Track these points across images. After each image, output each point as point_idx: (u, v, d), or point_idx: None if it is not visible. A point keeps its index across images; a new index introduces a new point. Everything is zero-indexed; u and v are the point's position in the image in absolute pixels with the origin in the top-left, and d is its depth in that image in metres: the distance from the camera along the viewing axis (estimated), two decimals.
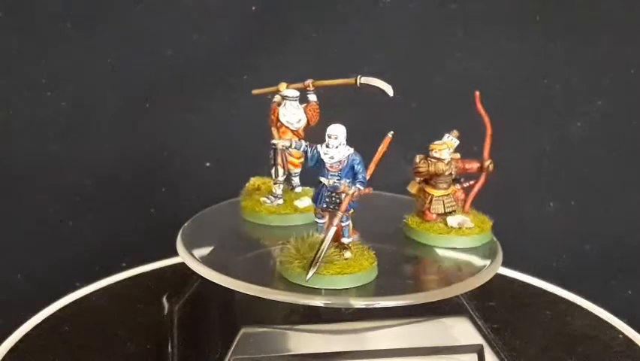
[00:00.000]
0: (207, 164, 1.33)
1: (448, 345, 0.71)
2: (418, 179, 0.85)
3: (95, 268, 1.19)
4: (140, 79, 1.27)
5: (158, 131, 1.30)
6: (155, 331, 0.86)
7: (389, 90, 0.81)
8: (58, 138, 1.27)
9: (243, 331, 0.69)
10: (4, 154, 1.26)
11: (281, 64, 1.28)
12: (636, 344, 0.87)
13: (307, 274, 0.66)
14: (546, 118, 1.35)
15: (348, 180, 0.69)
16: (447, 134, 0.85)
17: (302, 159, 0.84)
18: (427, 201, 0.83)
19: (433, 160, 0.83)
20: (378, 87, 0.81)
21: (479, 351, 0.71)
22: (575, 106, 1.34)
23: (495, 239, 0.84)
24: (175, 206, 1.28)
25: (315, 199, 0.71)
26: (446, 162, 0.83)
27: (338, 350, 0.68)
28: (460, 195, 0.86)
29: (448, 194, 0.84)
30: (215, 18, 1.27)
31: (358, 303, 0.65)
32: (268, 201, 0.84)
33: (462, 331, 0.73)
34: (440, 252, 0.80)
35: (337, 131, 0.70)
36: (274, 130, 0.83)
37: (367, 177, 0.70)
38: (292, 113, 0.82)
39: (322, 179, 0.70)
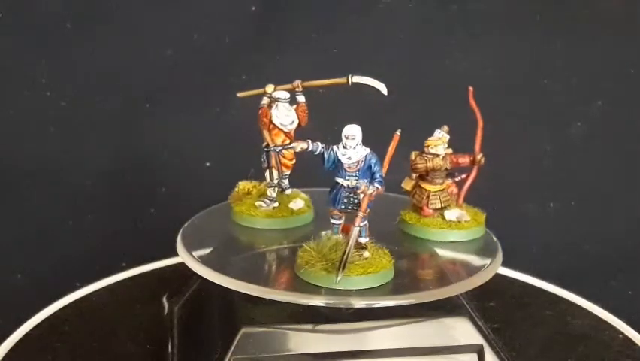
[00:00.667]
0: (207, 164, 1.33)
1: (448, 345, 0.71)
2: (413, 175, 0.86)
3: (95, 268, 1.19)
4: (140, 79, 1.27)
5: (158, 131, 1.30)
6: (155, 331, 0.86)
7: (383, 89, 0.80)
8: (58, 138, 1.27)
9: (242, 331, 0.69)
10: (4, 154, 1.26)
11: (281, 64, 1.28)
12: (636, 344, 0.87)
13: (337, 276, 0.65)
14: (546, 118, 1.35)
15: (366, 180, 0.69)
16: (438, 130, 0.86)
17: (294, 160, 0.84)
18: (425, 197, 0.84)
19: (429, 156, 0.84)
20: (371, 86, 0.81)
21: (479, 351, 0.71)
22: (575, 106, 1.34)
23: (495, 238, 0.84)
24: (175, 206, 1.28)
25: (332, 201, 0.71)
26: (442, 157, 0.83)
27: (338, 350, 0.68)
28: (454, 189, 0.87)
29: (444, 189, 0.85)
30: (215, 18, 1.27)
31: (358, 303, 0.65)
32: (264, 205, 0.83)
33: (462, 331, 0.73)
34: (441, 250, 0.80)
35: (354, 132, 0.70)
36: (266, 133, 0.82)
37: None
38: (285, 115, 0.81)
39: (340, 180, 0.70)
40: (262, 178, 0.87)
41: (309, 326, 0.71)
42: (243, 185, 0.87)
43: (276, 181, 0.84)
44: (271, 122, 0.81)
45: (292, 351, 0.68)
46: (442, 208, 0.84)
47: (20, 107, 1.25)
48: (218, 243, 0.81)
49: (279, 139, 0.82)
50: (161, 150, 1.31)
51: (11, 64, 1.23)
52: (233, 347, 0.67)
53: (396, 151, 0.73)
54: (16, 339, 0.85)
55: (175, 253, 0.78)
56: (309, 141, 0.71)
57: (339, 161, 0.70)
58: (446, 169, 0.85)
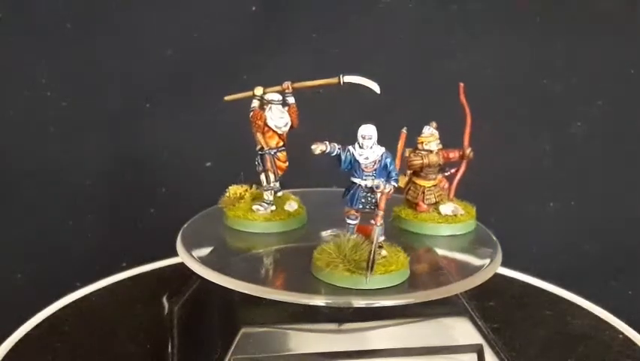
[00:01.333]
0: (207, 164, 1.33)
1: (448, 345, 0.71)
2: (407, 172, 0.86)
3: (95, 268, 1.19)
4: (140, 79, 1.27)
5: (158, 132, 1.30)
6: (155, 331, 0.86)
7: (375, 87, 0.81)
8: (58, 138, 1.27)
9: (242, 331, 0.69)
10: (4, 154, 1.26)
11: (281, 64, 1.28)
12: (636, 344, 0.87)
13: (367, 277, 0.66)
14: (546, 118, 1.35)
15: (383, 179, 0.69)
16: (427, 127, 0.86)
17: (287, 162, 0.83)
18: (420, 193, 0.85)
19: (423, 153, 0.84)
20: (363, 85, 0.80)
21: (479, 351, 0.71)
22: (575, 106, 1.34)
23: (494, 238, 0.84)
24: (175, 206, 1.28)
25: (349, 201, 0.71)
26: (435, 152, 0.84)
27: (338, 350, 0.68)
28: (445, 184, 0.87)
29: (436, 184, 0.86)
30: (215, 18, 1.27)
31: (358, 302, 0.65)
32: (262, 209, 0.82)
33: (462, 331, 0.73)
34: (441, 249, 0.80)
35: (371, 132, 0.70)
36: (260, 136, 0.81)
37: None
38: (279, 117, 0.80)
39: (357, 180, 0.70)
40: (254, 182, 0.86)
41: (309, 326, 0.71)
42: (234, 189, 0.86)
43: (272, 184, 0.83)
44: (265, 124, 0.80)
45: (292, 351, 0.68)
46: (437, 203, 0.85)
47: (20, 107, 1.25)
48: (218, 243, 0.81)
49: (273, 141, 0.81)
50: (161, 150, 1.31)
51: (11, 64, 1.23)
52: (233, 347, 0.67)
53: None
54: (17, 339, 0.85)
55: (175, 253, 0.78)
56: (327, 143, 0.71)
57: (357, 161, 0.70)
58: (439, 164, 0.85)
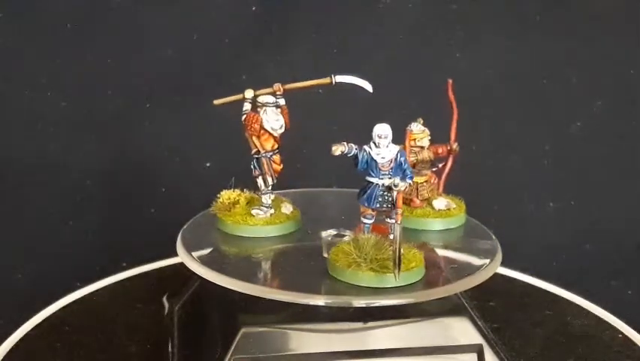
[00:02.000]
0: (207, 164, 1.33)
1: (447, 345, 0.71)
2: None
3: (95, 268, 1.19)
4: (141, 79, 1.27)
5: (158, 132, 1.30)
6: (155, 331, 0.86)
7: (368, 87, 0.80)
8: (58, 138, 1.27)
9: (243, 331, 0.69)
10: (4, 154, 1.26)
11: (281, 64, 1.28)
12: (636, 344, 0.87)
13: (396, 275, 0.66)
14: (546, 118, 1.35)
15: (399, 177, 0.70)
16: (414, 123, 0.87)
17: (282, 165, 0.82)
18: (413, 189, 0.85)
19: (416, 149, 0.85)
20: (355, 85, 0.80)
21: (479, 351, 0.71)
22: (575, 106, 1.34)
23: (494, 237, 0.84)
24: (175, 206, 1.28)
25: (366, 200, 0.71)
26: (426, 149, 0.85)
27: (338, 350, 0.68)
28: (434, 179, 0.89)
29: (428, 180, 0.87)
30: (215, 18, 1.27)
31: (359, 302, 0.65)
32: (261, 213, 0.81)
33: (462, 331, 0.73)
34: (440, 249, 0.80)
35: (387, 131, 0.71)
36: (255, 139, 0.80)
37: None
38: (275, 120, 0.79)
39: (374, 179, 0.71)
40: (243, 186, 0.85)
41: (309, 326, 0.71)
42: (228, 195, 0.83)
43: (270, 188, 0.82)
44: (262, 127, 0.79)
45: (292, 351, 0.68)
46: (429, 198, 0.86)
47: (21, 107, 1.25)
48: (218, 244, 0.81)
49: (269, 144, 0.80)
50: (161, 150, 1.31)
51: (12, 64, 1.23)
52: (233, 347, 0.67)
53: None
54: (17, 339, 0.85)
55: (175, 253, 0.78)
56: (345, 143, 0.71)
57: (373, 160, 0.70)
58: (430, 160, 0.86)
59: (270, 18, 1.28)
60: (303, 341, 0.69)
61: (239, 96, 0.80)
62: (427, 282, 0.69)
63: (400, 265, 0.66)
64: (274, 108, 0.79)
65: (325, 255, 0.75)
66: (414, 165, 0.86)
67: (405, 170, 0.71)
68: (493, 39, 1.31)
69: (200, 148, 1.31)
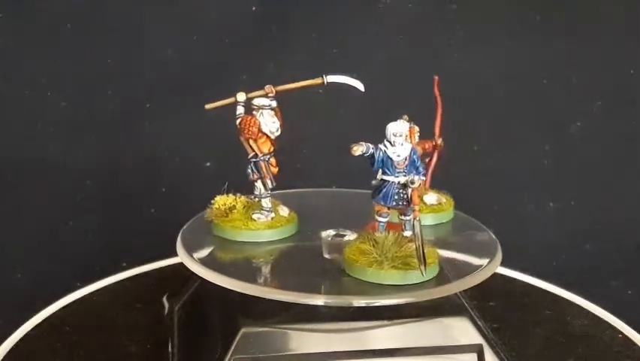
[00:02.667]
0: (207, 164, 1.33)
1: (447, 345, 0.71)
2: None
3: (95, 268, 1.19)
4: (141, 79, 1.28)
5: (158, 132, 1.30)
6: (155, 331, 0.86)
7: (359, 86, 0.80)
8: (58, 138, 1.27)
9: (243, 331, 0.69)
10: (4, 154, 1.26)
11: (281, 64, 1.28)
12: (636, 344, 0.87)
13: (423, 271, 0.67)
14: (546, 118, 1.35)
15: (413, 174, 0.71)
16: (400, 120, 0.86)
17: (277, 167, 0.81)
18: None
19: None
20: (347, 84, 0.80)
21: (479, 351, 0.71)
22: (575, 106, 1.35)
23: (494, 237, 0.84)
24: (175, 206, 1.28)
25: (382, 199, 0.71)
26: (416, 144, 0.85)
27: (338, 350, 0.68)
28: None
29: None
30: (215, 18, 1.27)
31: (359, 302, 0.66)
32: (263, 217, 0.80)
33: (462, 331, 0.73)
34: (440, 248, 0.80)
35: (401, 129, 0.71)
36: (252, 143, 0.78)
37: None
38: (272, 122, 0.78)
39: (389, 178, 0.71)
40: (239, 190, 0.84)
41: (310, 326, 0.71)
42: (223, 200, 0.82)
43: (269, 191, 0.81)
44: (260, 130, 0.78)
45: (292, 351, 0.68)
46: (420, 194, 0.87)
47: (21, 107, 1.25)
48: (218, 244, 0.81)
49: (266, 147, 0.79)
50: (161, 150, 1.31)
51: (12, 64, 1.23)
52: (233, 347, 0.67)
53: None
54: (17, 339, 0.85)
55: (175, 253, 0.78)
56: (363, 143, 0.71)
57: (389, 159, 0.71)
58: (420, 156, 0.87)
59: (270, 18, 1.28)
60: (303, 341, 0.69)
61: (231, 100, 0.79)
62: (444, 276, 0.70)
63: (425, 261, 0.66)
64: (270, 110, 0.79)
65: (326, 255, 0.75)
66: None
67: (417, 167, 0.71)
68: (493, 39, 1.31)
69: (200, 148, 1.31)
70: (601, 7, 1.30)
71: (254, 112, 0.79)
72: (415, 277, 0.67)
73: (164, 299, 0.90)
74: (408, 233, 0.72)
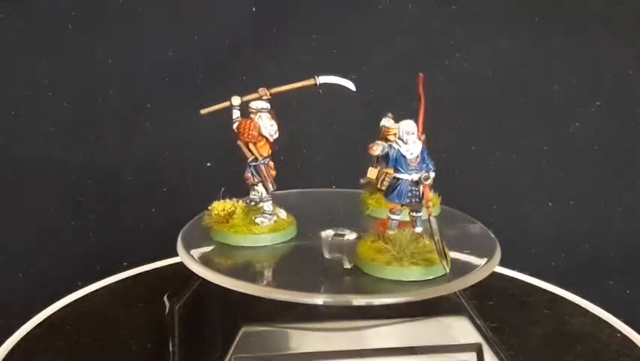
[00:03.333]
0: (207, 164, 1.33)
1: (447, 344, 0.71)
2: (379, 166, 0.88)
3: (96, 268, 1.20)
4: (141, 79, 1.28)
5: (158, 132, 1.30)
6: (156, 330, 0.86)
7: (351, 86, 0.81)
8: (59, 138, 1.27)
9: (243, 330, 0.69)
10: (6, 154, 1.26)
11: (281, 64, 1.28)
12: (634, 343, 0.87)
13: (447, 266, 0.68)
14: (545, 118, 1.36)
15: (424, 171, 0.72)
16: (385, 118, 0.88)
17: (275, 170, 0.81)
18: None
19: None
20: (339, 85, 0.80)
21: (478, 350, 0.71)
22: (574, 106, 1.35)
23: (492, 236, 0.84)
24: (175, 206, 1.29)
25: (396, 197, 0.72)
26: None
27: (338, 349, 0.69)
28: None
29: None
30: (215, 19, 1.27)
31: (358, 301, 0.66)
32: (266, 221, 0.79)
33: (461, 330, 0.73)
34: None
35: (413, 128, 0.72)
36: (252, 147, 0.78)
37: None
38: (270, 125, 0.78)
39: (403, 176, 0.72)
40: (237, 195, 0.83)
41: (310, 325, 0.71)
42: (222, 206, 0.80)
43: (271, 194, 0.80)
44: (260, 134, 0.78)
45: (292, 350, 0.69)
46: None
47: (22, 107, 1.25)
48: (218, 244, 0.81)
49: (265, 150, 0.79)
50: (161, 150, 1.31)
51: (13, 64, 1.23)
52: (233, 346, 0.67)
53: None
54: (18, 338, 0.85)
55: (176, 253, 0.78)
56: (380, 142, 0.73)
57: (403, 157, 0.72)
58: None
59: (270, 18, 1.28)
60: (303, 340, 0.70)
61: (226, 104, 0.79)
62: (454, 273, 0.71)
63: (446, 255, 0.68)
64: (267, 113, 0.78)
65: (327, 255, 0.75)
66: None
67: (427, 163, 0.72)
68: (493, 39, 1.32)
69: (200, 148, 1.31)
70: (601, 7, 1.30)
71: (251, 115, 0.78)
72: (435, 272, 0.68)
73: (165, 298, 0.90)
74: (419, 229, 0.73)
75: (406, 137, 0.72)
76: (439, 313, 0.74)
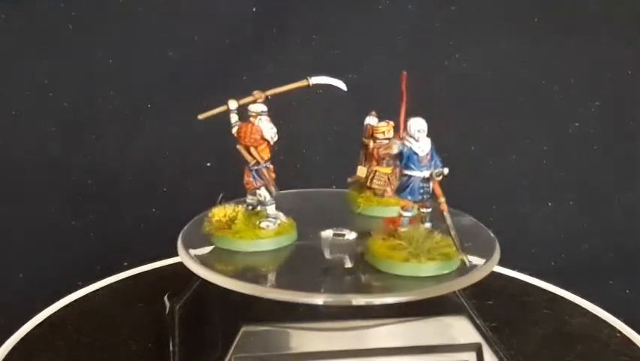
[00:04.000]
0: (207, 164, 1.33)
1: (447, 344, 0.71)
2: (368, 164, 0.89)
3: (96, 268, 1.20)
4: (141, 80, 1.28)
5: (158, 132, 1.30)
6: (156, 329, 0.86)
7: (342, 85, 0.81)
8: (60, 138, 1.28)
9: (243, 329, 0.69)
10: (6, 154, 1.26)
11: (281, 64, 1.28)
12: (634, 343, 0.87)
13: (467, 260, 0.70)
14: (545, 118, 1.36)
15: (433, 167, 0.73)
16: (369, 117, 0.89)
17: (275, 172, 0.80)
18: (385, 180, 0.88)
19: (385, 141, 0.87)
20: (331, 85, 0.81)
21: (478, 350, 0.71)
22: (574, 106, 1.35)
23: (492, 235, 0.84)
24: (175, 206, 1.29)
25: (409, 194, 0.73)
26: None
27: (338, 349, 0.69)
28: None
29: (393, 170, 0.89)
30: (215, 19, 1.28)
31: (358, 300, 0.66)
32: (271, 225, 0.78)
33: (461, 329, 0.73)
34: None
35: (424, 125, 0.73)
36: (253, 150, 0.77)
37: None
38: (270, 128, 0.77)
39: (415, 173, 0.73)
40: (227, 201, 0.82)
41: (310, 325, 0.71)
42: (223, 212, 0.79)
43: (274, 197, 0.79)
44: (262, 137, 0.77)
45: (293, 350, 0.69)
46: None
47: (22, 107, 1.25)
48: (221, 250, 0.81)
49: (266, 154, 0.78)
50: (161, 150, 1.31)
51: (13, 64, 1.24)
52: (234, 346, 0.68)
53: None
54: (18, 338, 0.86)
55: (176, 253, 0.78)
56: (396, 140, 0.74)
57: (415, 154, 0.72)
58: None
59: (270, 18, 1.28)
60: (303, 340, 0.70)
61: (223, 108, 0.78)
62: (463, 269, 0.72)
63: (463, 250, 0.69)
64: (267, 116, 0.77)
65: (327, 256, 0.75)
66: (382, 157, 0.88)
67: (435, 160, 0.73)
68: (493, 39, 1.32)
69: (200, 148, 1.31)
70: (600, 7, 1.30)
71: (251, 118, 0.77)
72: (451, 266, 0.70)
73: (165, 298, 0.90)
74: (428, 225, 0.74)
75: (418, 134, 0.72)
76: (438, 313, 0.74)
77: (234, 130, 0.78)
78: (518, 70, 1.33)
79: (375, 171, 0.89)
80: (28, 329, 0.88)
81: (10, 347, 0.83)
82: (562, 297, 1.00)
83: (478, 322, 0.75)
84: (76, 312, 0.93)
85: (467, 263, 0.69)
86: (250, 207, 0.81)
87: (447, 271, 0.69)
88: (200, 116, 0.80)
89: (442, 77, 1.33)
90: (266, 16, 1.28)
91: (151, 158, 1.31)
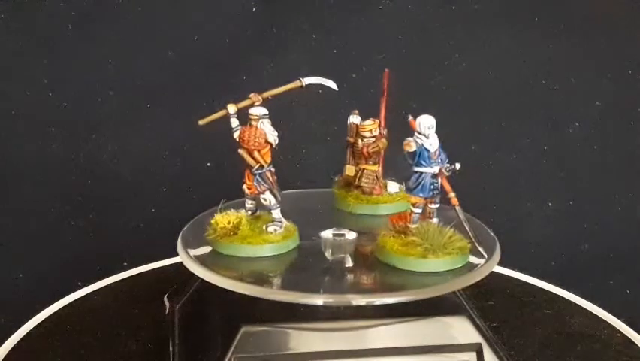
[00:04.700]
0: (207, 164, 1.33)
1: (447, 344, 0.71)
2: (357, 162, 0.90)
3: (96, 268, 1.19)
4: (141, 79, 1.28)
5: (158, 132, 1.30)
6: (156, 330, 0.86)
7: (333, 86, 0.82)
8: (59, 138, 1.27)
9: (243, 330, 0.69)
10: (6, 154, 1.26)
11: (281, 64, 1.28)
12: (634, 343, 0.87)
13: (483, 252, 0.72)
14: (545, 118, 1.36)
15: (441, 164, 0.74)
16: (353, 115, 0.90)
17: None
18: (374, 178, 0.89)
19: (372, 139, 0.88)
20: (323, 85, 0.82)
21: (478, 350, 0.71)
22: (574, 106, 1.35)
23: (492, 235, 0.84)
24: (175, 206, 1.29)
25: (420, 191, 0.74)
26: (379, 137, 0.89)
27: (338, 349, 0.69)
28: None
29: (378, 168, 0.90)
30: (215, 18, 1.27)
31: (357, 300, 0.66)
32: (279, 229, 0.78)
33: (461, 330, 0.73)
34: None
35: (434, 122, 0.74)
36: (256, 154, 0.76)
37: None
38: (272, 131, 0.77)
39: (426, 169, 0.74)
40: (226, 206, 0.82)
41: (309, 325, 0.71)
42: (226, 218, 0.77)
43: (279, 201, 0.78)
44: (266, 140, 0.76)
45: (292, 350, 0.69)
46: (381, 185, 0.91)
47: (22, 107, 1.25)
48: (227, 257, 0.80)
49: (269, 157, 0.77)
50: (161, 150, 1.31)
51: (13, 64, 1.23)
52: (234, 346, 0.68)
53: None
54: (18, 338, 0.85)
55: (175, 253, 0.78)
56: (411, 138, 0.74)
57: (426, 151, 0.73)
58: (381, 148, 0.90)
59: (270, 18, 1.28)
60: (302, 340, 0.70)
61: (222, 112, 0.78)
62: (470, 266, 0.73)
63: (480, 242, 0.71)
64: (268, 119, 0.77)
65: (328, 256, 0.75)
66: (369, 155, 0.89)
67: (442, 155, 0.74)
68: (493, 39, 1.32)
69: (200, 148, 1.31)
70: (600, 7, 1.30)
71: (253, 122, 0.77)
72: (467, 258, 0.71)
73: (165, 298, 0.90)
74: (436, 220, 0.75)
75: (428, 131, 0.73)
76: (439, 313, 0.74)
77: (236, 135, 0.77)
78: (518, 70, 1.32)
79: (363, 169, 0.89)
80: (28, 329, 0.88)
81: (10, 347, 0.83)
82: (562, 297, 1.00)
83: (478, 322, 0.76)
84: (76, 312, 0.93)
85: (485, 255, 0.71)
86: (249, 212, 0.81)
87: (462, 265, 0.71)
88: (201, 122, 0.80)
89: (442, 77, 1.33)
90: (266, 16, 1.28)
91: (151, 158, 1.31)
